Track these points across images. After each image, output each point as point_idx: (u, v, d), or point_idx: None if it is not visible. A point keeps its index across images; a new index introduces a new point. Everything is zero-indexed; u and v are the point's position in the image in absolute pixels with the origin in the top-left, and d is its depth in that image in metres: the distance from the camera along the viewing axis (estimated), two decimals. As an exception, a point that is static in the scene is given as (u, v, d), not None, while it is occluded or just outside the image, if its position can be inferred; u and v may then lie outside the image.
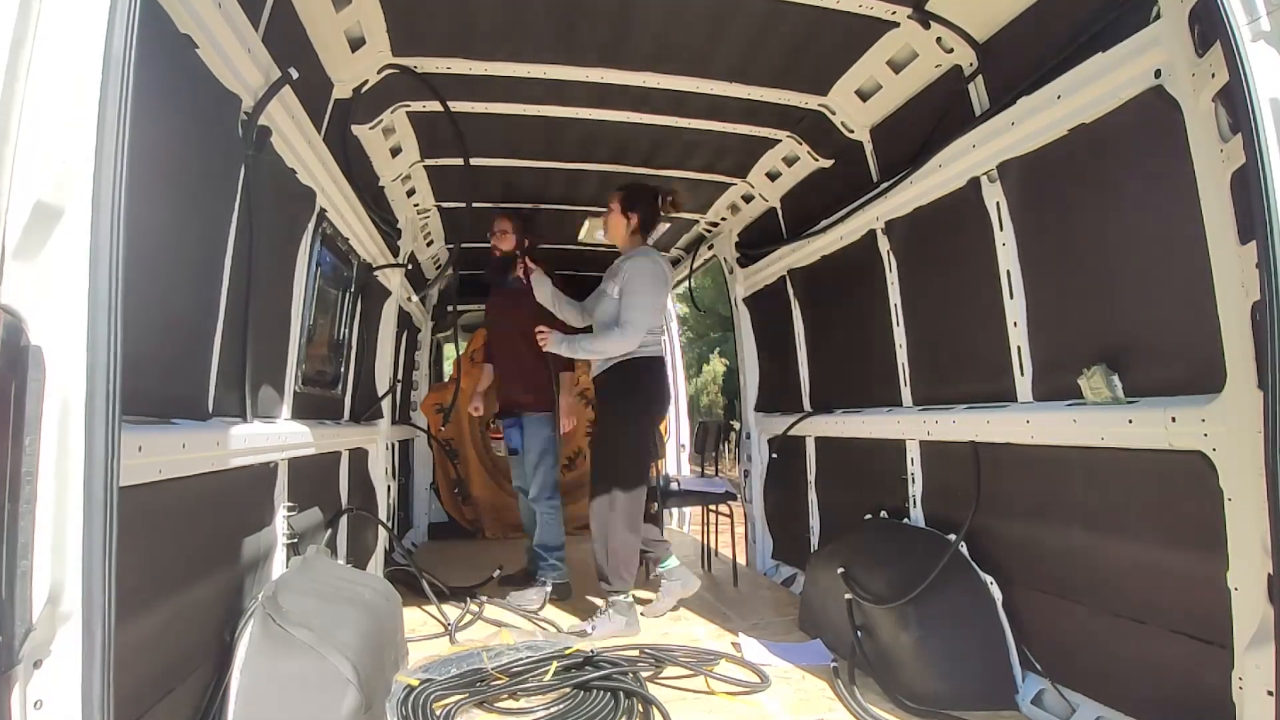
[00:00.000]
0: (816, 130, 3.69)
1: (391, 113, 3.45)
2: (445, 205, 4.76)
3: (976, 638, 2.70)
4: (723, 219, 5.14)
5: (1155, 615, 2.15)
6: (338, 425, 3.56)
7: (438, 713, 2.54)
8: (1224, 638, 1.85)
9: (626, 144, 4.02)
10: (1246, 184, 1.59)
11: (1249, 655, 1.76)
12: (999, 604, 2.72)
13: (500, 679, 2.81)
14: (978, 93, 2.78)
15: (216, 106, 2.00)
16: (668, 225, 4.20)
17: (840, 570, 3.12)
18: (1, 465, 1.01)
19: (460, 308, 6.28)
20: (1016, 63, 2.56)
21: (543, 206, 4.99)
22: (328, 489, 3.42)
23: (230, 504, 2.24)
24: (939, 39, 2.79)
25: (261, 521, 2.48)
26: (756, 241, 4.89)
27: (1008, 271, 2.69)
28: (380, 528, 4.20)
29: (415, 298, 5.51)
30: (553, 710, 2.64)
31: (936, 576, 2.76)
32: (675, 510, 6.79)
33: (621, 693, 2.68)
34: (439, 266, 5.65)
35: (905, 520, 3.38)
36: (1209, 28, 1.74)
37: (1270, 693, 1.68)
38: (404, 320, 5.34)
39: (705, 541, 5.24)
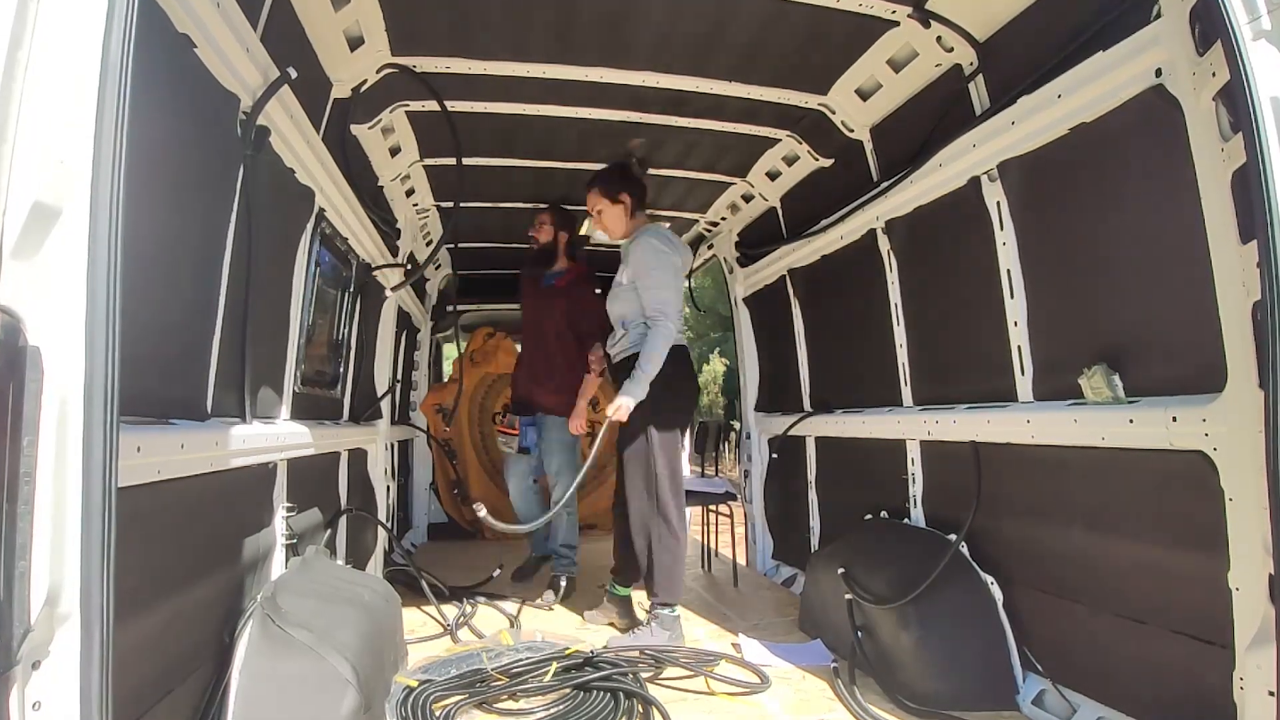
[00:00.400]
0: (816, 130, 3.69)
1: (390, 112, 3.44)
2: (444, 205, 4.75)
3: (977, 638, 2.69)
4: (722, 219, 5.14)
5: (1156, 615, 2.15)
6: (337, 425, 3.56)
7: (437, 713, 2.54)
8: (1225, 638, 1.85)
9: (626, 143, 4.01)
10: (1247, 183, 1.59)
11: (1250, 655, 1.76)
12: (999, 604, 2.72)
13: (500, 680, 2.81)
14: (978, 92, 2.78)
15: (215, 106, 2.00)
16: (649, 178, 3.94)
17: (841, 570, 3.11)
18: (-1, 466, 1.00)
19: (460, 308, 6.28)
20: (1017, 62, 2.56)
21: (543, 206, 4.99)
22: (327, 489, 3.41)
23: (229, 505, 2.24)
24: (939, 38, 2.79)
25: (260, 522, 2.47)
26: (756, 241, 4.88)
27: (1008, 271, 2.69)
28: (379, 528, 4.20)
29: (414, 298, 5.50)
30: (553, 711, 2.63)
31: (937, 576, 2.76)
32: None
33: (621, 693, 2.68)
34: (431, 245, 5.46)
35: (905, 520, 3.37)
36: (1209, 27, 1.74)
37: (1271, 693, 1.68)
38: (403, 320, 5.34)
39: (705, 542, 5.24)
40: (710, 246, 5.54)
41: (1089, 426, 2.30)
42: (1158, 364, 2.13)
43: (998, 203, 2.71)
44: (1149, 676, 2.18)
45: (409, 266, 4.53)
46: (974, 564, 2.82)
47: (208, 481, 1.96)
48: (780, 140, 3.94)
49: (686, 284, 6.01)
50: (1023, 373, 2.67)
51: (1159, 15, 1.94)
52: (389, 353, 4.54)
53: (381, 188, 4.01)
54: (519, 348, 6.90)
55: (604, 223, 3.76)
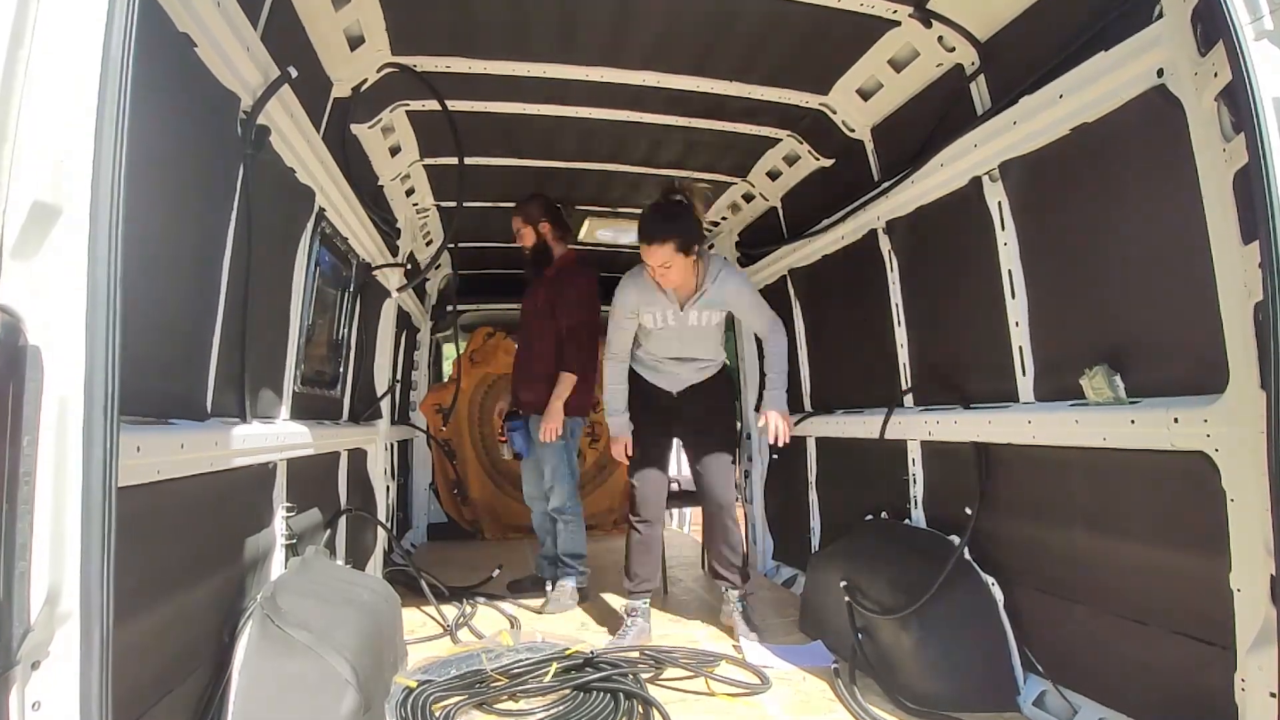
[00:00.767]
0: (817, 129, 3.69)
1: (390, 112, 3.44)
2: (444, 205, 4.75)
3: (978, 639, 2.69)
4: (723, 218, 5.14)
5: (1157, 616, 2.15)
6: (337, 425, 3.55)
7: (437, 714, 2.54)
8: (1226, 639, 1.84)
9: (626, 143, 4.02)
10: (1249, 183, 1.58)
11: (1251, 657, 1.75)
12: (1000, 605, 2.71)
13: (500, 680, 2.80)
14: (979, 92, 2.78)
15: (215, 105, 1.99)
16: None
17: (843, 583, 3.10)
18: (-1, 466, 1.00)
19: (460, 307, 6.27)
20: (1018, 62, 2.56)
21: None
22: (327, 489, 3.41)
23: (229, 505, 2.24)
24: (940, 38, 2.79)
25: (260, 522, 2.47)
26: (757, 241, 4.88)
27: (1009, 271, 2.69)
28: (379, 528, 4.19)
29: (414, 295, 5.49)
30: (553, 711, 2.63)
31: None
32: (675, 511, 6.78)
33: (622, 694, 2.67)
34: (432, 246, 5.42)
35: (906, 520, 3.37)
36: (1211, 27, 1.74)
37: (1273, 694, 1.68)
38: (403, 320, 5.34)
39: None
40: (711, 246, 5.53)
41: (1090, 427, 2.30)
42: (1159, 364, 2.13)
43: (999, 203, 2.71)
44: (1150, 677, 2.18)
45: (409, 266, 4.53)
46: (975, 565, 2.81)
47: (207, 481, 1.96)
48: (781, 140, 3.94)
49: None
50: (1024, 373, 2.67)
51: (1160, 15, 1.94)
52: (389, 353, 4.54)
53: (382, 187, 4.01)
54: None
55: (672, 278, 3.41)
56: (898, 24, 2.82)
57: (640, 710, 2.63)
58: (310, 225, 2.86)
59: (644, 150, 4.13)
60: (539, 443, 4.19)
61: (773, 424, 3.43)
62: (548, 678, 2.81)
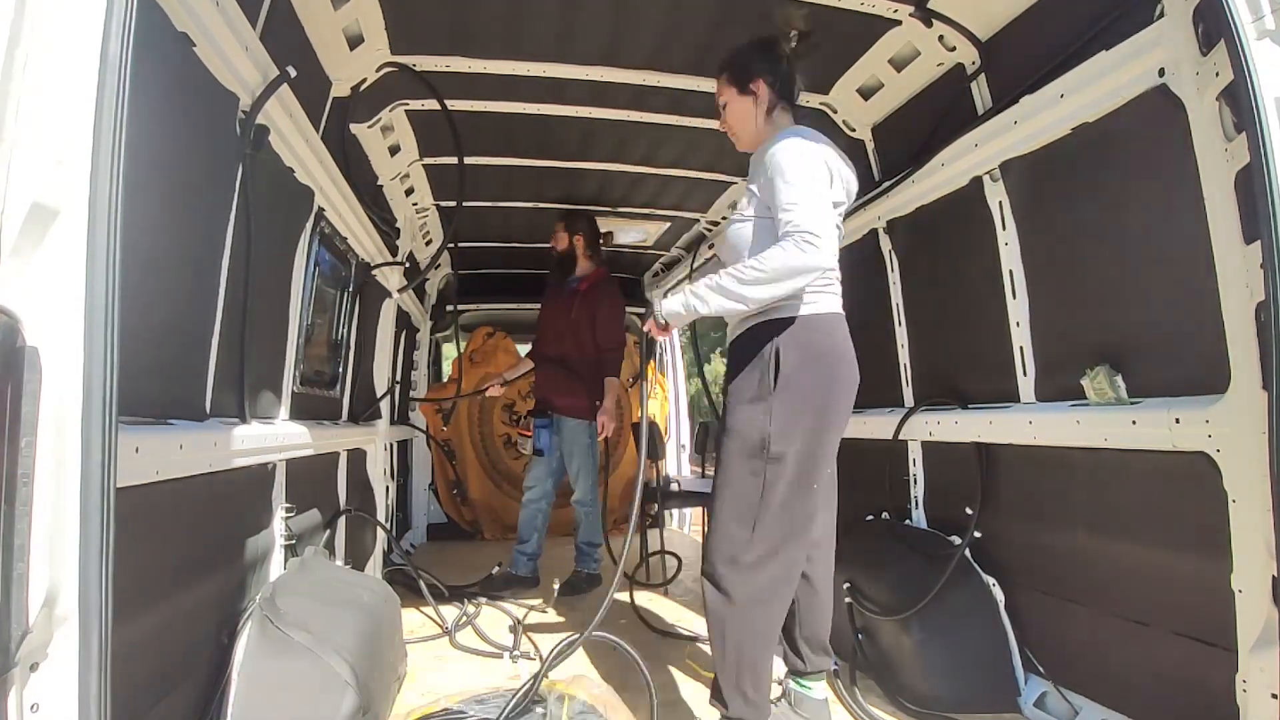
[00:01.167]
0: (817, 129, 3.66)
1: (390, 111, 3.44)
2: (444, 204, 4.75)
3: (978, 640, 2.69)
4: (723, 218, 5.13)
5: (1158, 617, 2.14)
6: (336, 426, 3.55)
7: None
8: (1228, 640, 1.84)
9: (626, 142, 4.01)
10: (1251, 183, 1.58)
11: (1253, 658, 1.75)
12: (1001, 606, 2.71)
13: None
14: (980, 91, 2.77)
15: (214, 105, 1.99)
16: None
17: (845, 584, 3.09)
18: (-3, 467, 1.00)
19: (460, 307, 6.27)
20: (1019, 61, 2.56)
21: (542, 205, 4.99)
22: (326, 490, 3.40)
23: (228, 505, 2.23)
24: (941, 37, 2.78)
25: (259, 523, 2.47)
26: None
27: (1010, 271, 2.69)
28: (378, 529, 4.19)
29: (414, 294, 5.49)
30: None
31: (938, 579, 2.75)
32: (676, 511, 6.78)
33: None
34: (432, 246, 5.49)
35: (907, 521, 3.37)
36: (1213, 26, 1.74)
37: (1274, 695, 1.68)
38: (403, 320, 5.33)
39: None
40: (711, 246, 5.53)
41: (1091, 427, 2.30)
42: (1161, 365, 2.13)
43: (1000, 203, 2.71)
44: (1151, 679, 2.17)
45: (408, 266, 4.53)
46: (976, 566, 2.81)
47: (206, 482, 1.95)
48: None
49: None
50: (1025, 373, 2.66)
51: (1162, 15, 1.94)
52: (388, 353, 4.54)
53: (381, 187, 4.00)
54: (520, 348, 6.93)
55: (729, 123, 2.57)
56: (898, 23, 2.82)
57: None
58: (309, 225, 2.86)
59: (644, 150, 4.12)
60: (568, 440, 4.56)
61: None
62: None
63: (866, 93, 3.32)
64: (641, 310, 6.94)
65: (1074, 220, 2.42)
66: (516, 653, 3.26)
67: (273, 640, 2.09)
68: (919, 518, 3.32)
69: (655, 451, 5.15)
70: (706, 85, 3.33)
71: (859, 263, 3.67)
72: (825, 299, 2.32)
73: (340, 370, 3.67)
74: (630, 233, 5.60)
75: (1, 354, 1.01)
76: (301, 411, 2.95)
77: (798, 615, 2.44)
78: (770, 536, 2.19)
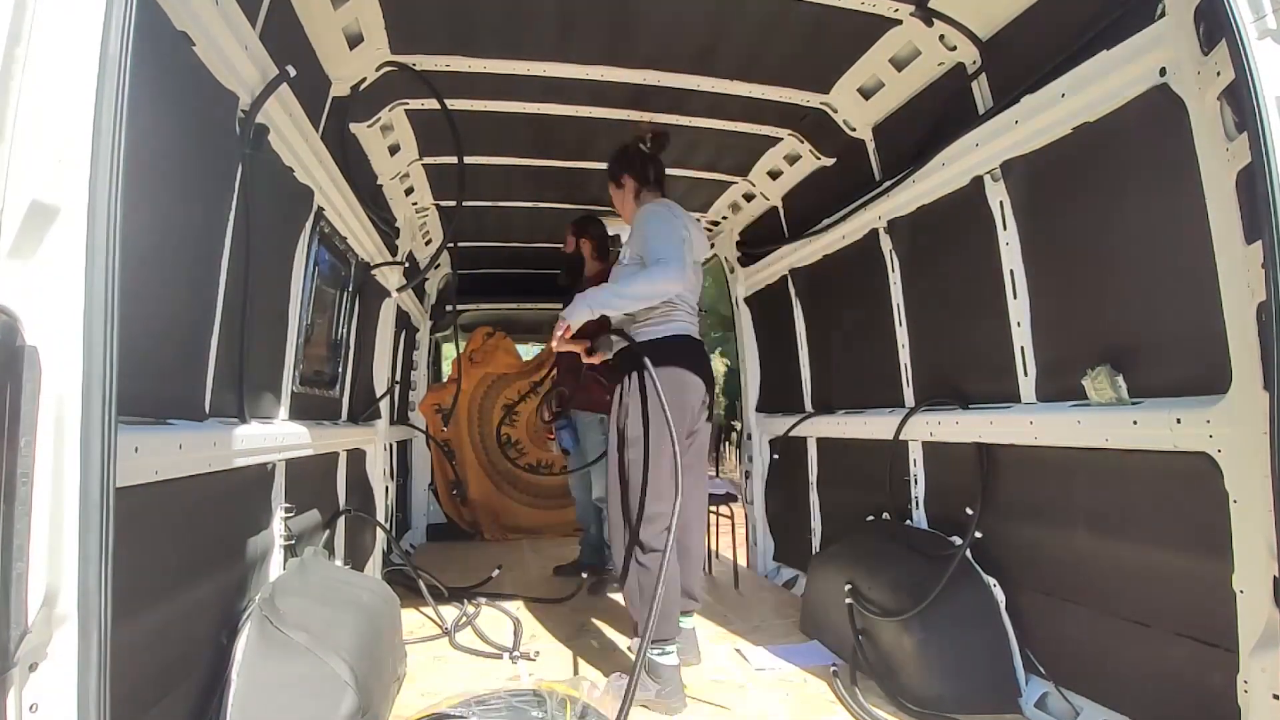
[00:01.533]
0: (818, 128, 3.68)
1: (390, 111, 3.44)
2: (444, 204, 4.74)
3: (979, 641, 2.68)
4: (724, 218, 5.13)
5: (1160, 618, 2.14)
6: (335, 426, 3.54)
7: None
8: (1229, 641, 1.84)
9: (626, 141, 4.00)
10: (1252, 183, 1.58)
11: (1254, 659, 1.75)
12: (1002, 606, 2.70)
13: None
14: (981, 91, 2.77)
15: (213, 104, 1.99)
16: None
17: (847, 585, 3.09)
18: (-4, 467, 1.00)
19: (459, 307, 6.27)
20: (1020, 61, 2.55)
21: (543, 205, 4.98)
22: (325, 490, 3.40)
23: (227, 505, 2.23)
24: (942, 36, 2.78)
25: (259, 523, 2.46)
26: (758, 241, 4.87)
27: (1011, 271, 2.68)
28: (378, 529, 4.18)
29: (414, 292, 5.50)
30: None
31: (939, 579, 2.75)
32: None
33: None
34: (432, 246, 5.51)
35: (908, 521, 3.36)
36: (1214, 26, 1.73)
37: (1276, 696, 1.68)
38: (402, 320, 5.33)
39: (706, 543, 5.23)
40: (711, 246, 5.53)
41: (1092, 428, 2.30)
42: (1162, 365, 2.12)
43: (1000, 202, 2.71)
44: (1152, 679, 2.17)
45: (408, 266, 4.53)
46: (976, 566, 2.81)
47: (206, 482, 1.95)
48: (782, 139, 3.93)
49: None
50: (1026, 373, 2.66)
51: (1163, 14, 1.93)
52: (388, 352, 4.53)
53: (381, 186, 4.00)
54: (520, 348, 6.93)
55: (615, 205, 3.41)
56: (899, 23, 2.81)
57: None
58: (309, 224, 2.86)
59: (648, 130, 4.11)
60: (585, 436, 4.70)
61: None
62: None
63: (867, 92, 3.31)
64: None
65: (1075, 220, 2.42)
66: (516, 654, 3.26)
67: (272, 641, 2.08)
68: (920, 518, 3.32)
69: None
70: (706, 85, 3.34)
71: (859, 263, 3.68)
72: (671, 326, 3.05)
73: (340, 370, 3.67)
74: (630, 232, 5.59)
75: (1, 353, 1.01)
76: (301, 411, 2.95)
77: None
78: None
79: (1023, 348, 2.67)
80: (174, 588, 1.83)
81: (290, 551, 2.63)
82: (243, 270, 2.22)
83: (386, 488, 4.57)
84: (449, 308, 6.31)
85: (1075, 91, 2.27)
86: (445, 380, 6.97)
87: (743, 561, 5.20)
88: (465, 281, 6.24)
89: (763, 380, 5.16)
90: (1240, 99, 1.59)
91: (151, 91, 1.48)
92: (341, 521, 3.46)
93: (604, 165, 4.24)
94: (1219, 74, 1.75)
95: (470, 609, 3.87)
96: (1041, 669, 2.59)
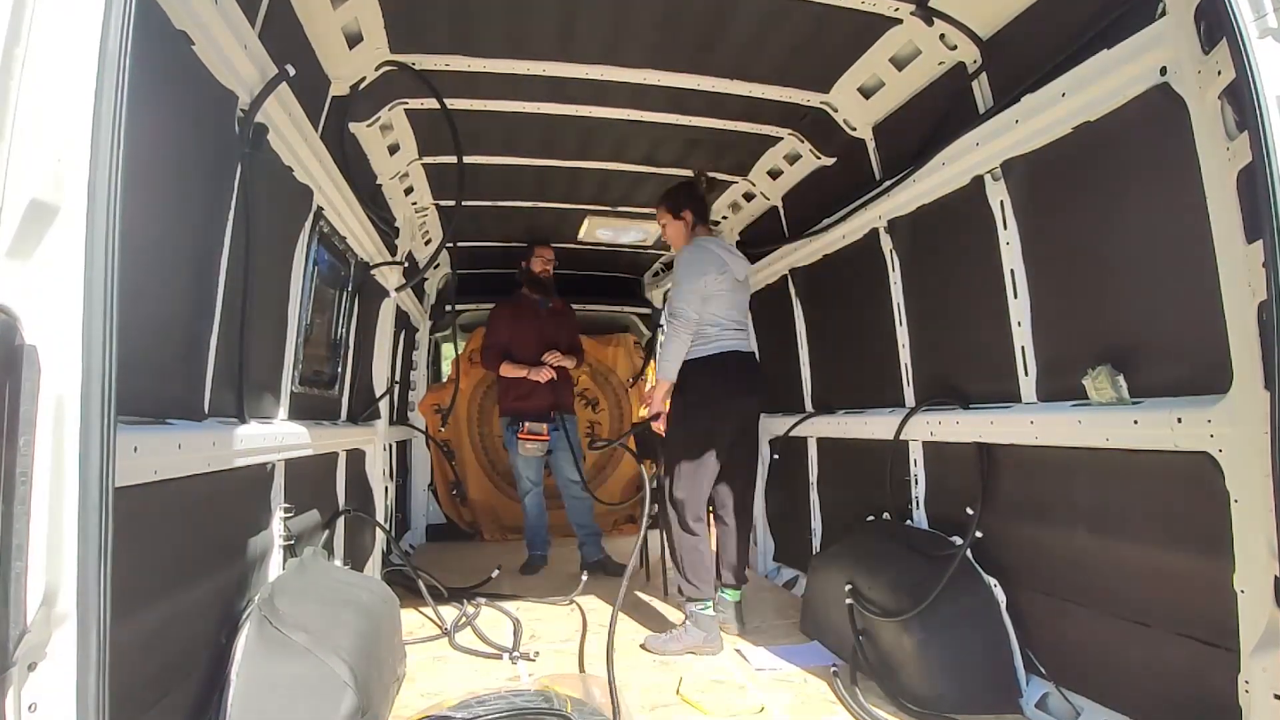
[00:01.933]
0: (818, 128, 3.68)
1: (389, 110, 3.43)
2: (443, 204, 4.74)
3: (980, 641, 2.68)
4: (724, 218, 5.12)
5: (1160, 618, 2.14)
6: (335, 426, 3.54)
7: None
8: (1230, 641, 1.83)
9: (626, 141, 4.01)
10: (1253, 182, 1.58)
11: (1255, 659, 1.74)
12: (1003, 606, 2.70)
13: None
14: (981, 90, 2.77)
15: (213, 104, 1.98)
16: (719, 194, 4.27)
17: (848, 585, 3.09)
18: (-5, 466, 0.99)
19: (459, 307, 6.26)
20: (1020, 60, 2.55)
21: (542, 205, 4.98)
22: (325, 490, 3.40)
23: (227, 505, 2.23)
24: (942, 36, 2.78)
25: (258, 523, 2.46)
26: (758, 240, 4.87)
27: (1011, 270, 2.68)
28: (378, 529, 4.18)
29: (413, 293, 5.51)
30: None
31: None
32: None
33: None
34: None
35: (908, 522, 3.36)
36: (1215, 25, 1.73)
37: (1277, 696, 1.67)
38: (402, 320, 5.32)
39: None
40: (714, 227, 5.52)
41: (1093, 427, 2.29)
42: (1162, 364, 2.12)
43: (1001, 202, 2.71)
44: (1153, 680, 2.17)
45: (407, 265, 4.52)
46: (977, 566, 2.80)
47: (205, 482, 1.95)
48: (782, 139, 3.93)
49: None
50: (1026, 373, 2.66)
51: (1164, 13, 1.93)
52: (387, 352, 4.53)
53: (380, 186, 4.00)
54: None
55: (668, 236, 3.93)
56: (899, 22, 2.81)
57: None
58: (308, 224, 2.85)
59: (644, 149, 4.12)
60: (574, 434, 5.17)
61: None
62: None
63: (867, 91, 3.31)
64: (643, 310, 6.97)
65: (1075, 219, 2.42)
66: (516, 654, 3.26)
67: (271, 641, 2.08)
68: (920, 518, 3.32)
69: (654, 452, 5.13)
70: (707, 84, 3.34)
71: (860, 262, 3.67)
72: (711, 346, 3.63)
73: (339, 370, 3.67)
74: (630, 232, 5.59)
75: (0, 352, 1.01)
76: (300, 411, 2.95)
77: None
78: None
79: (1023, 347, 2.66)
80: (173, 588, 1.82)
81: (290, 552, 2.63)
82: (242, 269, 2.21)
83: (386, 488, 4.56)
84: (448, 307, 6.30)
85: (1076, 91, 2.27)
86: (445, 380, 6.96)
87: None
88: (465, 281, 6.23)
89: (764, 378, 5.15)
90: (1241, 98, 1.59)
91: (151, 91, 1.48)
92: (341, 522, 3.46)
93: (604, 165, 4.27)
94: (1220, 73, 1.75)
95: (470, 609, 3.87)
96: (1042, 669, 2.59)
